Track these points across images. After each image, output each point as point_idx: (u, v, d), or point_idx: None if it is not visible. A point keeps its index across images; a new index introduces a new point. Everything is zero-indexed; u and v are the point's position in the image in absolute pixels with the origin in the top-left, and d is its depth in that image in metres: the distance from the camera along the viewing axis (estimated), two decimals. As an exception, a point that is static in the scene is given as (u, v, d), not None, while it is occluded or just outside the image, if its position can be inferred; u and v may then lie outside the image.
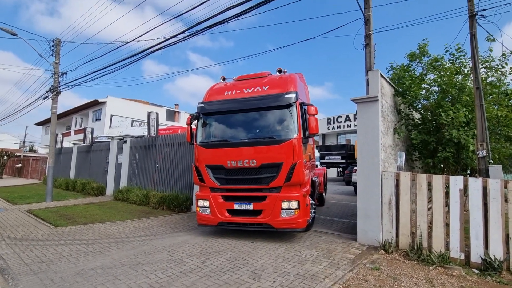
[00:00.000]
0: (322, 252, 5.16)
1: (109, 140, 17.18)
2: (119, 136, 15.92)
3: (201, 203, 6.12)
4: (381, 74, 5.89)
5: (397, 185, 5.34)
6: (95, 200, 12.47)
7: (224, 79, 6.91)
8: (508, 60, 6.09)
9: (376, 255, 4.97)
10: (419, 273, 4.23)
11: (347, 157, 23.83)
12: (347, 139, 36.28)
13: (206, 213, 6.05)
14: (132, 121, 28.75)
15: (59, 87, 12.55)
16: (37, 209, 10.05)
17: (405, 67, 7.01)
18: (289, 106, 5.58)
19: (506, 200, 4.34)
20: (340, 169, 24.74)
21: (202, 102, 6.31)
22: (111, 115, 27.42)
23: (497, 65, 6.23)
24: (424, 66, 6.97)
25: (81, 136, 29.43)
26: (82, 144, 18.55)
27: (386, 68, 6.99)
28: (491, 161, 5.14)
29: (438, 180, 4.91)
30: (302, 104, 5.76)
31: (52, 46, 12.75)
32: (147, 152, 12.12)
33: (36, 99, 14.99)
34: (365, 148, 5.74)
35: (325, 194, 11.20)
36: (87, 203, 11.49)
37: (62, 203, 11.60)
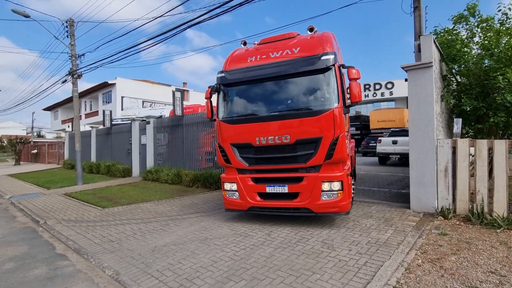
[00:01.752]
0: (380, 221, 5.26)
1: (128, 121, 17.24)
2: (137, 117, 15.90)
3: (228, 186, 5.52)
4: (433, 39, 5.66)
5: (454, 152, 5.31)
6: (124, 181, 12.68)
7: (245, 43, 6.11)
8: None
9: (437, 222, 5.06)
10: (489, 236, 4.32)
11: (361, 128, 23.70)
12: (357, 111, 35.97)
13: (234, 197, 5.46)
14: (143, 101, 28.55)
15: (78, 69, 12.34)
16: (73, 192, 10.27)
17: (451, 31, 6.72)
18: (327, 70, 4.78)
19: None
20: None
21: (222, 71, 5.55)
22: (122, 97, 27.19)
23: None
24: (470, 28, 6.67)
25: (92, 119, 29.52)
26: (100, 127, 18.62)
27: (431, 33, 6.69)
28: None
29: (500, 145, 4.87)
30: (341, 67, 4.99)
31: (66, 27, 12.39)
32: (173, 132, 12.12)
33: (53, 84, 14.83)
34: (418, 117, 5.65)
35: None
36: (119, 185, 11.71)
37: (94, 186, 11.84)
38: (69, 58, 12.39)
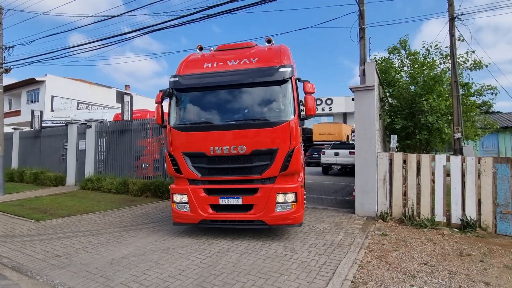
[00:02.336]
0: (332, 225, 5.80)
1: (60, 124, 15.62)
2: (73, 120, 14.48)
3: (177, 198, 5.19)
4: (375, 66, 6.58)
5: (391, 164, 6.19)
6: (57, 190, 11.35)
7: (201, 48, 5.88)
8: (469, 57, 7.36)
9: (378, 224, 5.80)
10: (419, 235, 5.14)
11: (305, 140, 25.29)
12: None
13: (184, 209, 5.14)
14: (78, 103, 25.95)
15: (5, 62, 10.84)
16: (-7, 204, 8.85)
17: (387, 60, 7.88)
18: (284, 82, 4.82)
19: (478, 174, 5.44)
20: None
21: (175, 76, 5.27)
22: (52, 96, 24.31)
23: (462, 61, 7.46)
24: (402, 58, 7.92)
25: (12, 119, 25.68)
26: (25, 129, 16.40)
27: (372, 60, 7.75)
28: (465, 142, 6.29)
29: (425, 159, 5.86)
30: (297, 80, 5.06)
31: (-8, 13, 10.83)
32: (120, 138, 11.37)
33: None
34: (363, 132, 6.44)
35: None
36: (51, 194, 10.45)
37: (19, 196, 10.36)
38: (-6, 49, 10.79)
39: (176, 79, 5.24)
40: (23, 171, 14.25)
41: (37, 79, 23.93)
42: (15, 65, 10.46)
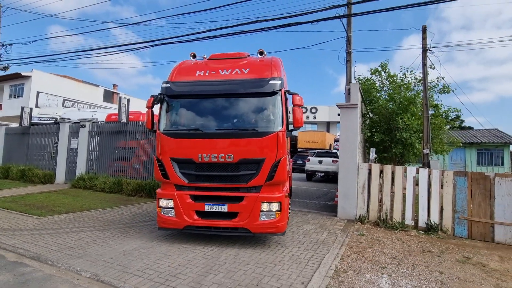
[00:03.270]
0: (317, 226, 6.55)
1: (48, 121, 15.68)
2: (65, 118, 14.59)
3: (163, 203, 5.24)
4: (359, 86, 7.45)
5: (369, 174, 7.04)
6: (48, 188, 11.49)
7: (194, 56, 6.06)
8: (439, 82, 8.44)
9: (357, 226, 6.60)
10: (390, 235, 5.98)
11: (290, 147, 26.20)
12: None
13: (169, 215, 5.21)
14: (64, 100, 25.64)
15: (3, 60, 10.97)
16: (-14, 200, 8.97)
17: (369, 80, 8.82)
18: (273, 94, 4.98)
19: (442, 185, 6.38)
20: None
21: (167, 82, 5.38)
22: (38, 92, 23.94)
23: (433, 86, 8.53)
24: (382, 80, 8.89)
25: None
26: (12, 125, 16.24)
27: (356, 80, 8.66)
28: (432, 156, 7.24)
29: (399, 170, 6.75)
30: (287, 92, 5.20)
31: (-9, 11, 10.96)
32: (114, 139, 11.69)
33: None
34: (346, 145, 7.27)
35: None
36: (42, 192, 10.61)
37: (9, 192, 10.42)
38: (-9, 46, 10.91)
39: (168, 85, 5.33)
40: (9, 168, 14.15)
41: (23, 74, 23.51)
42: (15, 63, 10.59)
